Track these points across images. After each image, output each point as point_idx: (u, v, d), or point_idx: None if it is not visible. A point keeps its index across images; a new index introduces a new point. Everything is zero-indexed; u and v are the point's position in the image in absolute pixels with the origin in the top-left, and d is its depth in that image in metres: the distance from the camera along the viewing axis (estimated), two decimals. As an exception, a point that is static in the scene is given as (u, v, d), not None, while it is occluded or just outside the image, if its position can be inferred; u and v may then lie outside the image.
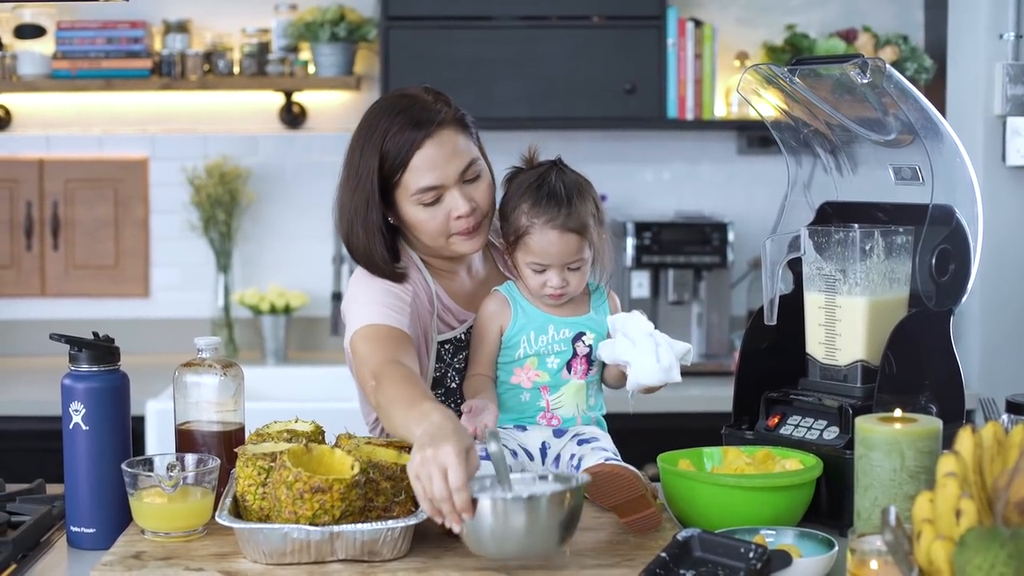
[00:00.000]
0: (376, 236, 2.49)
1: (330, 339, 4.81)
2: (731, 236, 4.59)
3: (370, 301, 2.45)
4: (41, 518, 2.28)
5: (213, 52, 4.73)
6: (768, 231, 2.54)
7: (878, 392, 2.27)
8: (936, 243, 2.35)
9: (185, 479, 2.19)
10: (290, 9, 4.76)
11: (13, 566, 2.13)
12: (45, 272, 4.86)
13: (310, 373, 4.66)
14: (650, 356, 2.38)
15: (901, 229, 2.37)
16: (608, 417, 2.56)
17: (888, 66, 2.31)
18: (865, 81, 2.31)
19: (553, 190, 2.44)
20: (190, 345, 2.41)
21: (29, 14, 4.69)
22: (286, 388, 4.58)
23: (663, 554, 1.96)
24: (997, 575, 1.55)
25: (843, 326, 2.38)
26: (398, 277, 2.50)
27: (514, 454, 2.43)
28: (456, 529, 1.96)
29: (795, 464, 2.28)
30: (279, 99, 4.84)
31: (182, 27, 4.74)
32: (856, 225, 2.39)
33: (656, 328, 2.43)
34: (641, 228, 4.58)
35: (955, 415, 2.34)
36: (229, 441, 2.33)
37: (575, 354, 2.48)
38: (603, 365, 2.53)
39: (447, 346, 2.56)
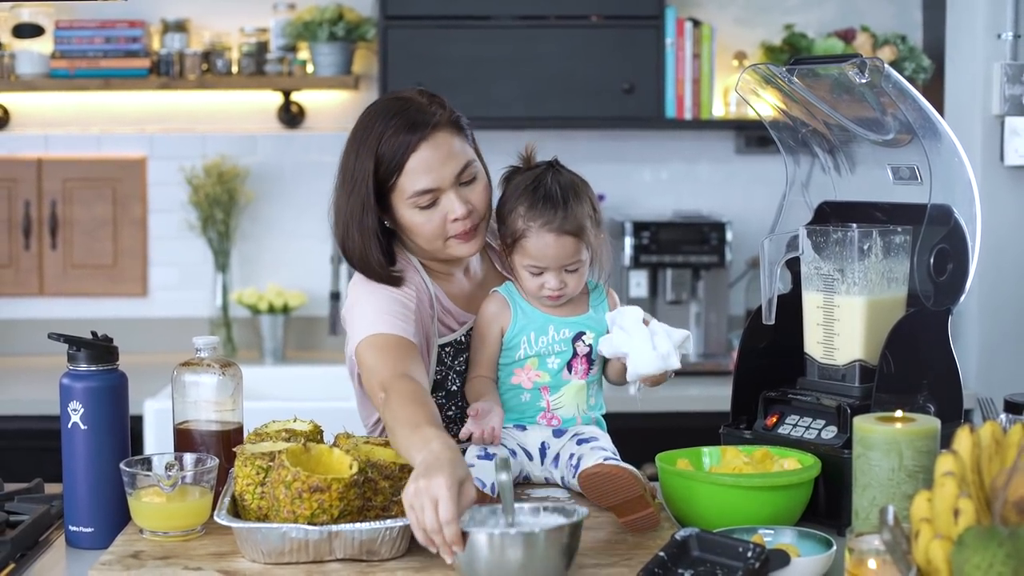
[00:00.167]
0: (372, 240, 2.48)
1: (328, 339, 4.81)
2: (729, 236, 4.59)
3: (375, 308, 2.44)
4: (40, 517, 2.28)
5: (211, 51, 4.73)
6: (766, 231, 2.55)
7: (876, 392, 2.27)
8: (934, 243, 2.35)
9: (183, 478, 2.19)
10: (288, 8, 4.76)
11: (12, 565, 2.13)
12: (43, 271, 4.86)
13: (308, 373, 4.66)
14: (646, 345, 2.38)
15: (899, 229, 2.37)
16: (607, 417, 2.57)
17: (886, 66, 2.31)
18: (863, 81, 2.32)
19: (549, 192, 2.43)
20: (188, 344, 2.41)
21: (27, 13, 4.69)
22: (284, 388, 4.58)
23: (661, 553, 1.96)
24: (995, 574, 1.56)
25: (841, 326, 2.38)
26: (395, 281, 2.49)
27: (513, 453, 2.43)
28: (448, 560, 1.95)
29: (793, 463, 2.28)
30: (277, 98, 4.84)
31: (180, 26, 4.74)
32: (854, 225, 2.39)
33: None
34: (639, 228, 4.59)
35: (953, 414, 2.34)
36: (227, 440, 2.33)
37: (575, 354, 2.49)
38: (604, 364, 2.53)
39: (447, 349, 2.56)
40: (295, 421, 2.39)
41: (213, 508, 2.17)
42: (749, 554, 1.92)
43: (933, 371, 2.36)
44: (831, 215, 2.55)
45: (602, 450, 2.38)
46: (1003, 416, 2.37)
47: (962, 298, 2.40)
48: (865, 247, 2.35)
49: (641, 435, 2.49)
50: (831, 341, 2.40)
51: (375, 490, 2.12)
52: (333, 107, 4.88)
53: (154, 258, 4.90)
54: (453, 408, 2.57)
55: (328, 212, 2.56)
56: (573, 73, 4.57)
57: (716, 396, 4.11)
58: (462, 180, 2.48)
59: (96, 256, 4.87)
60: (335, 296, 4.65)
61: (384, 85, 4.54)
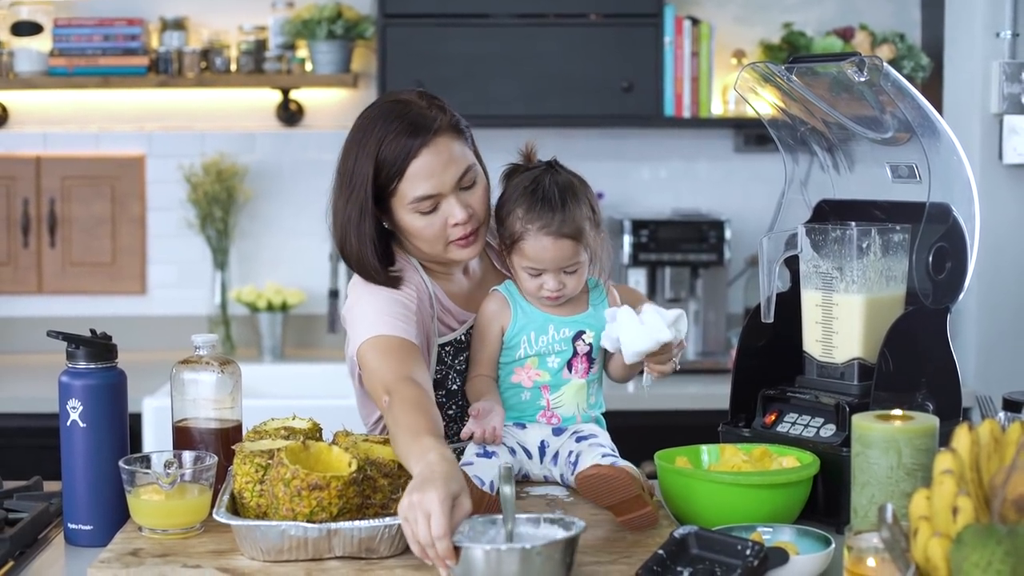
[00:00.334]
0: (367, 246, 2.47)
1: (327, 336, 4.81)
2: (728, 234, 4.59)
3: (375, 310, 2.44)
4: (38, 515, 2.28)
5: (210, 49, 4.72)
6: (765, 229, 2.55)
7: (875, 390, 2.27)
8: (933, 241, 2.35)
9: (182, 476, 2.19)
10: (287, 7, 4.76)
11: (10, 563, 2.13)
12: (42, 269, 4.86)
13: (307, 370, 4.66)
14: (633, 322, 2.38)
15: (898, 227, 2.37)
16: (607, 415, 2.57)
17: (885, 64, 2.31)
18: (862, 79, 2.31)
19: (547, 195, 2.43)
20: (187, 342, 2.41)
21: (26, 11, 4.69)
22: (283, 385, 4.58)
23: (660, 551, 1.96)
24: (994, 572, 1.56)
25: (840, 324, 2.39)
26: (394, 282, 2.49)
27: (512, 451, 2.43)
28: (443, 574, 1.95)
29: (792, 462, 2.28)
30: (276, 96, 4.84)
31: (179, 24, 4.74)
32: (853, 223, 2.39)
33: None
34: (638, 226, 4.59)
35: (952, 412, 2.35)
36: (226, 438, 2.33)
37: (575, 353, 2.49)
38: (605, 362, 2.53)
39: (447, 348, 2.56)
40: (294, 419, 2.39)
41: (212, 506, 2.17)
42: (748, 552, 1.92)
43: (932, 369, 2.36)
44: (830, 213, 2.55)
45: (600, 447, 2.38)
46: (1002, 414, 2.37)
47: (961, 296, 2.40)
48: (864, 245, 2.35)
49: (640, 433, 2.49)
50: (830, 339, 2.40)
51: (374, 488, 2.12)
52: (332, 105, 4.88)
53: (153, 256, 4.90)
54: (454, 407, 2.56)
55: (326, 213, 2.55)
56: (572, 71, 4.57)
57: (715, 394, 4.11)
58: (462, 185, 2.47)
59: (95, 254, 4.87)
60: (334, 294, 4.65)
61: (383, 83, 4.54)
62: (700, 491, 2.21)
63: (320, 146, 4.87)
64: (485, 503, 2.15)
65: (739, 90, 2.54)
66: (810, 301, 2.44)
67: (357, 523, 2.03)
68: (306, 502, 2.03)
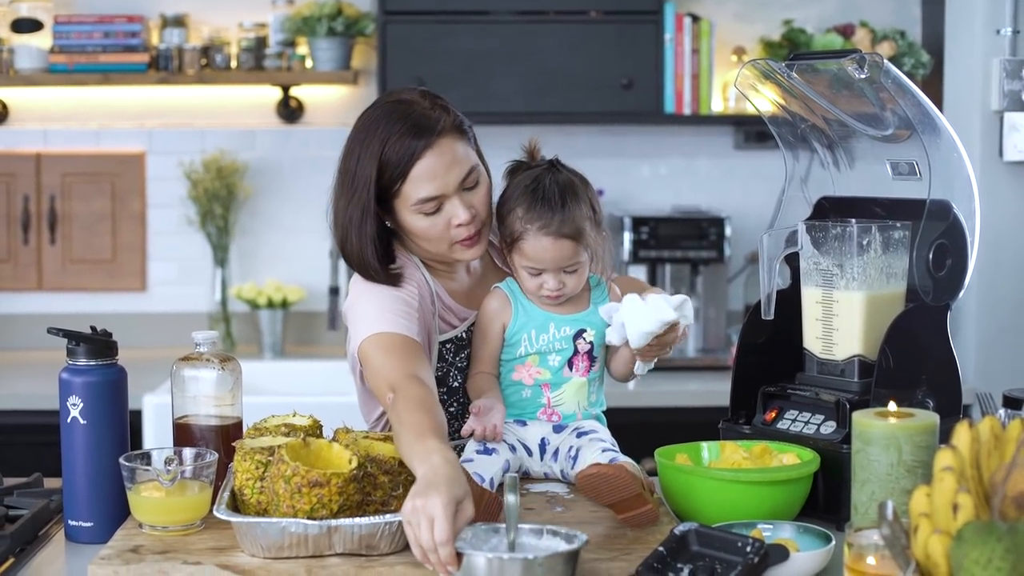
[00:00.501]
0: (368, 246, 2.47)
1: (327, 333, 4.81)
2: (728, 231, 4.59)
3: (378, 307, 2.43)
4: (39, 512, 2.28)
5: (210, 46, 4.72)
6: (765, 226, 2.55)
7: (875, 387, 2.27)
8: (933, 238, 2.35)
9: (183, 473, 2.19)
10: (287, 3, 4.76)
11: (11, 560, 2.13)
12: (42, 266, 4.86)
13: (308, 367, 4.66)
14: (638, 305, 2.38)
15: (898, 224, 2.37)
16: (607, 412, 2.57)
17: (886, 61, 2.31)
18: (863, 76, 2.31)
19: (547, 194, 2.42)
20: (187, 339, 2.41)
21: (26, 8, 4.69)
22: (283, 382, 4.58)
23: (660, 548, 1.96)
24: (994, 569, 1.56)
25: (840, 321, 2.39)
26: (394, 279, 2.49)
27: (512, 448, 2.43)
28: None
29: (792, 459, 2.28)
30: (276, 93, 4.84)
31: (179, 21, 4.74)
32: (853, 220, 2.39)
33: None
34: (638, 223, 4.59)
35: (952, 410, 2.35)
36: (227, 435, 2.33)
37: (576, 351, 2.48)
38: (607, 360, 2.53)
39: (448, 345, 2.56)
40: (294, 416, 2.38)
41: (212, 503, 2.17)
42: (748, 549, 1.92)
43: (932, 366, 2.36)
44: (830, 210, 2.55)
45: (600, 442, 2.38)
46: (1002, 411, 2.37)
47: (961, 293, 2.40)
48: (864, 242, 2.35)
49: (640, 430, 2.50)
50: (830, 336, 2.40)
51: (374, 485, 2.12)
52: (332, 102, 4.87)
53: (153, 253, 4.91)
54: (455, 405, 2.56)
55: (326, 212, 2.54)
56: (572, 68, 4.57)
57: (715, 391, 4.11)
58: (466, 186, 2.46)
59: (95, 251, 4.87)
60: (334, 291, 4.65)
61: (383, 80, 4.53)
62: (700, 488, 2.21)
63: (320, 143, 4.87)
64: (485, 500, 2.15)
65: (739, 87, 2.54)
66: (810, 298, 2.44)
67: (357, 520, 2.03)
68: (306, 499, 2.03)
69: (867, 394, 2.31)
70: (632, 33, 4.57)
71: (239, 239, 4.89)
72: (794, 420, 2.40)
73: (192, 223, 4.82)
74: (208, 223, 4.80)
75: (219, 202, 4.78)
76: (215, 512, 2.09)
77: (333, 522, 2.02)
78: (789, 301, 2.47)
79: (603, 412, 2.56)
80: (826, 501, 2.29)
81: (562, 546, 1.97)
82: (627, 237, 4.57)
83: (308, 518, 2.02)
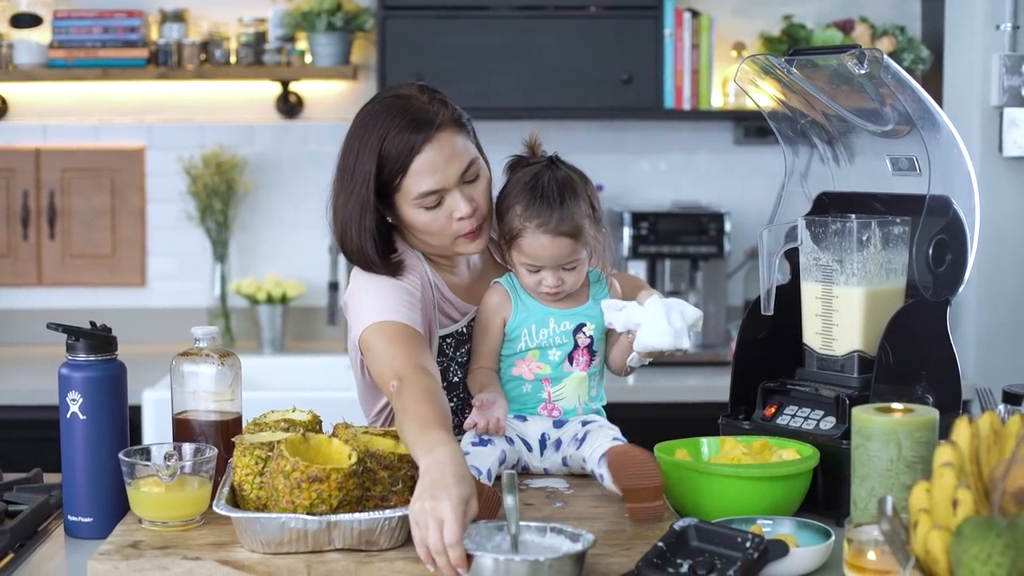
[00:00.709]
0: (368, 241, 2.47)
1: (327, 329, 4.81)
2: (728, 226, 4.59)
3: (381, 297, 2.44)
4: (38, 507, 2.28)
5: (210, 41, 4.72)
6: (765, 221, 2.54)
7: (875, 382, 2.27)
8: (933, 233, 2.35)
9: (182, 468, 2.19)
10: (287, -2, 4.76)
11: (11, 555, 2.13)
12: (42, 261, 4.86)
13: (307, 363, 4.66)
14: (661, 318, 2.38)
15: (898, 219, 2.37)
16: (607, 407, 2.56)
17: (885, 57, 2.31)
18: (863, 72, 2.31)
19: (546, 192, 2.42)
20: (187, 335, 2.41)
21: (25, 3, 4.69)
22: (283, 378, 4.58)
23: (660, 544, 1.96)
24: (994, 564, 1.56)
25: (840, 316, 2.38)
26: (395, 269, 2.49)
27: (510, 442, 2.43)
28: None
29: (792, 454, 2.28)
30: (276, 88, 4.84)
31: (179, 16, 4.74)
32: (853, 215, 2.38)
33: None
34: (638, 218, 4.59)
35: (951, 405, 2.34)
36: (226, 430, 2.33)
37: (576, 346, 2.48)
38: (606, 354, 2.53)
39: (449, 340, 2.56)
40: (294, 411, 2.38)
41: (212, 498, 2.17)
42: (748, 544, 1.93)
43: (931, 362, 2.36)
44: (830, 206, 2.54)
45: (611, 430, 2.40)
46: (1001, 407, 2.37)
47: (961, 289, 2.40)
48: (864, 238, 2.35)
49: (639, 425, 2.49)
50: (830, 332, 2.40)
51: (374, 480, 2.12)
52: (331, 97, 4.87)
53: (152, 248, 4.90)
54: (455, 400, 2.56)
55: (326, 208, 2.54)
56: (572, 63, 4.56)
57: (714, 386, 4.11)
58: (466, 179, 2.46)
59: (94, 246, 4.87)
60: (333, 286, 4.65)
61: (382, 75, 4.53)
62: (700, 483, 2.21)
63: (320, 138, 4.86)
64: (484, 496, 2.15)
65: (739, 82, 2.54)
66: (810, 293, 2.44)
67: (357, 515, 2.03)
68: (306, 494, 2.03)
69: (867, 390, 2.31)
70: (632, 28, 4.56)
71: (238, 234, 4.89)
72: (794, 416, 2.40)
73: (192, 218, 4.82)
74: (207, 218, 4.79)
75: (218, 197, 4.77)
76: (215, 507, 2.09)
77: (333, 517, 2.02)
78: (789, 296, 2.47)
79: (603, 407, 2.55)
80: (826, 497, 2.29)
81: (567, 545, 1.97)
82: (627, 232, 4.57)
83: (308, 513, 2.02)
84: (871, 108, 2.42)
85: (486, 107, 4.44)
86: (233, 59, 4.75)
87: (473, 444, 2.35)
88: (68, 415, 2.22)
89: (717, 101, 4.76)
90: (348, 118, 2.54)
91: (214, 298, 4.85)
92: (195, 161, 4.80)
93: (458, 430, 2.42)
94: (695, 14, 4.67)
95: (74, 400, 2.22)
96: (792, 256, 2.50)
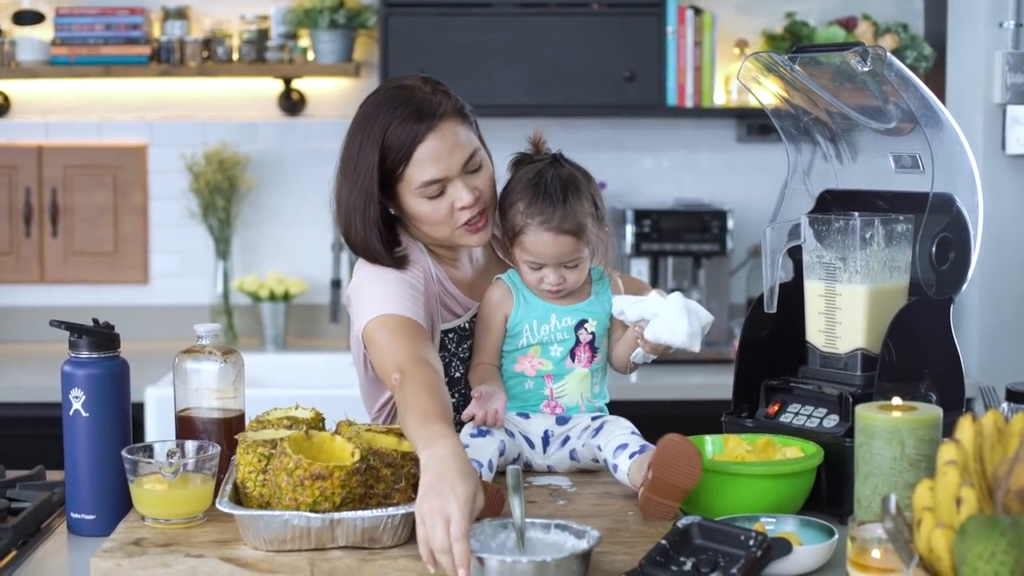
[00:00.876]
0: (373, 230, 2.48)
1: (329, 326, 4.81)
2: (730, 224, 4.59)
3: (383, 289, 2.44)
4: (41, 505, 2.28)
5: (212, 39, 4.72)
6: (767, 219, 2.54)
7: (878, 380, 2.27)
8: (936, 231, 2.34)
9: (185, 466, 2.19)
10: (289, -4, 4.76)
11: (13, 552, 2.13)
12: (44, 259, 4.86)
13: (310, 360, 4.66)
14: (682, 315, 2.37)
15: (901, 217, 2.37)
16: (609, 405, 2.56)
17: (889, 54, 2.30)
18: (866, 69, 2.31)
19: (548, 189, 2.42)
20: (189, 332, 2.41)
21: (28, 0, 4.69)
22: (286, 375, 4.58)
23: (663, 542, 1.96)
24: (997, 563, 1.56)
25: (843, 314, 2.38)
26: (399, 262, 2.49)
27: (511, 435, 2.43)
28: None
29: (796, 452, 2.28)
30: (278, 86, 4.84)
31: (181, 13, 4.74)
32: (856, 213, 2.38)
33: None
34: (640, 216, 4.59)
35: (955, 403, 2.34)
36: (229, 428, 2.33)
37: (578, 342, 2.48)
38: (609, 351, 2.53)
39: (451, 335, 2.56)
40: (297, 408, 2.38)
41: (215, 496, 2.17)
42: (751, 542, 1.92)
43: (935, 360, 2.36)
44: (833, 203, 2.54)
45: (628, 426, 2.41)
46: (1005, 405, 2.37)
47: (964, 287, 2.40)
48: (867, 236, 2.34)
49: (643, 423, 2.49)
50: (833, 330, 2.40)
51: (377, 478, 2.12)
52: (334, 94, 4.87)
53: (155, 245, 4.90)
54: (456, 395, 2.56)
55: (329, 200, 2.55)
56: (574, 61, 4.56)
57: (717, 384, 4.11)
58: (469, 169, 2.47)
59: (97, 243, 4.87)
60: (336, 284, 4.65)
61: (385, 72, 4.53)
62: (703, 481, 2.20)
63: (322, 135, 4.86)
64: (488, 493, 2.16)
65: (742, 80, 2.54)
66: (813, 291, 2.43)
67: (360, 513, 2.03)
68: (309, 492, 2.02)
69: (870, 387, 2.31)
70: (634, 26, 4.56)
71: (241, 232, 4.89)
72: (797, 413, 2.40)
73: (194, 216, 4.82)
74: (210, 216, 4.79)
75: (221, 195, 4.78)
76: (218, 505, 2.09)
77: (336, 515, 2.02)
78: (792, 294, 2.46)
79: (606, 404, 2.55)
80: (829, 495, 2.29)
81: (571, 542, 1.97)
82: (629, 230, 4.57)
83: (311, 511, 2.02)
84: (874, 106, 2.41)
85: (488, 104, 4.43)
86: (235, 56, 4.75)
87: (472, 435, 2.35)
88: (71, 412, 2.22)
89: (720, 98, 4.76)
90: (350, 115, 2.54)
91: (216, 295, 4.85)
92: (197, 158, 4.80)
93: (459, 426, 2.42)
94: (697, 11, 4.67)
95: (77, 397, 2.22)
96: (795, 254, 2.50)
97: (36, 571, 2.08)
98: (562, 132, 4.62)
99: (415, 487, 2.13)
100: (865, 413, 2.07)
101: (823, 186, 2.58)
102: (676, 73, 4.64)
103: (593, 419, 2.46)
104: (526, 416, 2.48)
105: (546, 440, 2.47)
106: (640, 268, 4.59)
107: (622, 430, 2.38)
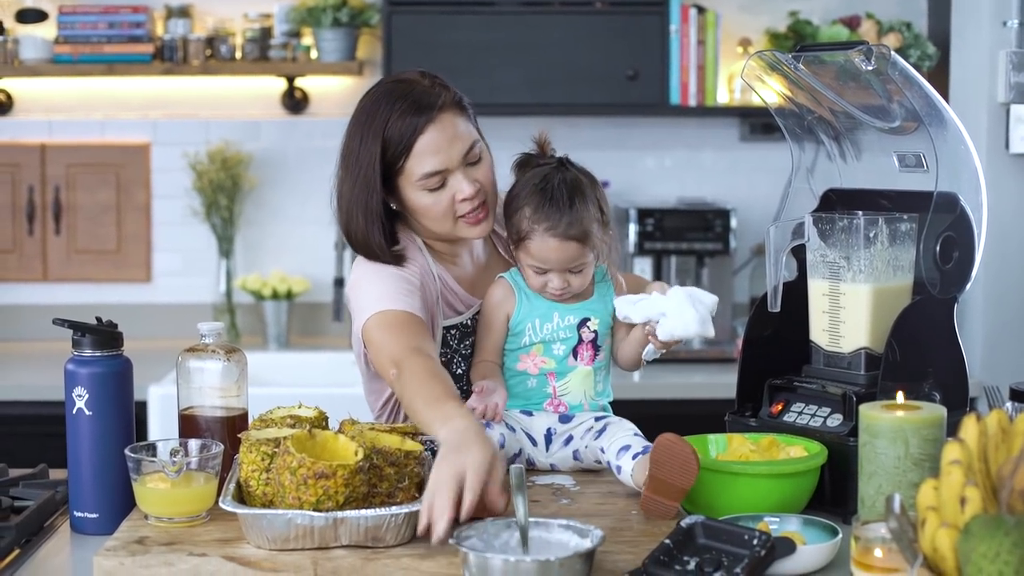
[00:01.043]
0: (375, 223, 2.49)
1: (332, 324, 4.81)
2: (733, 223, 4.59)
3: (381, 286, 2.45)
4: (44, 503, 2.28)
5: (215, 37, 4.72)
6: (771, 218, 2.54)
7: (882, 379, 2.27)
8: (940, 230, 2.34)
9: (188, 464, 2.19)
10: (292, -6, 4.76)
11: (16, 551, 2.13)
12: (47, 257, 4.86)
13: (312, 359, 4.66)
14: (687, 307, 2.38)
15: (905, 216, 2.37)
16: (613, 404, 2.56)
17: (893, 53, 2.30)
18: (870, 68, 2.31)
19: (555, 195, 2.42)
20: (192, 330, 2.41)
21: (31, -1, 4.69)
22: (289, 374, 4.58)
23: (667, 541, 1.96)
24: (1002, 563, 1.55)
25: (847, 313, 2.38)
26: (397, 259, 2.50)
27: (511, 429, 2.43)
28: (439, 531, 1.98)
29: (799, 451, 2.28)
30: (281, 84, 4.83)
31: (184, 12, 4.74)
32: (860, 212, 2.38)
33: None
34: (643, 215, 4.59)
35: (959, 403, 2.34)
36: (232, 426, 2.33)
37: (581, 340, 2.48)
38: (613, 347, 2.53)
39: (453, 332, 2.56)
40: (300, 407, 2.38)
41: (218, 494, 2.17)
42: (755, 542, 1.92)
43: (939, 359, 2.35)
44: (837, 202, 2.54)
45: (631, 427, 2.41)
46: (1009, 404, 2.37)
47: (968, 286, 2.40)
48: (871, 235, 2.34)
49: (646, 422, 2.49)
50: (837, 329, 2.40)
51: (380, 476, 2.12)
52: (337, 93, 4.87)
53: (158, 244, 4.90)
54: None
55: (330, 196, 2.56)
56: (577, 60, 4.56)
57: (720, 383, 4.11)
58: (468, 160, 2.49)
59: (100, 242, 4.87)
60: (339, 282, 4.65)
61: (388, 71, 4.53)
62: (707, 480, 2.21)
63: (325, 134, 4.86)
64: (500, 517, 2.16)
65: (746, 78, 2.54)
66: (817, 290, 2.43)
67: (363, 512, 2.03)
68: (312, 491, 2.02)
69: (874, 387, 2.31)
70: (637, 24, 4.56)
71: (244, 230, 4.89)
72: (800, 413, 2.40)
73: (197, 214, 4.82)
74: (213, 214, 4.79)
75: (224, 193, 4.77)
76: (221, 504, 2.09)
77: (339, 514, 2.02)
78: (795, 293, 2.46)
79: (609, 403, 2.55)
80: (833, 494, 2.29)
81: (575, 541, 1.97)
82: (632, 229, 4.57)
83: (314, 510, 2.02)
84: (878, 104, 2.41)
85: (491, 103, 4.44)
86: (239, 55, 4.75)
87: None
88: (74, 411, 2.22)
89: (723, 97, 4.75)
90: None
91: (219, 294, 4.85)
92: (200, 157, 4.80)
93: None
94: (701, 10, 4.67)
95: (80, 396, 2.22)
96: (799, 253, 2.49)
97: (39, 570, 2.08)
98: (565, 131, 4.62)
99: (419, 486, 2.14)
100: (869, 412, 2.07)
101: (827, 185, 2.57)
102: (679, 72, 4.64)
103: (596, 420, 2.46)
104: (529, 414, 2.48)
105: (549, 438, 2.47)
106: (643, 267, 4.59)
107: (624, 432, 2.38)
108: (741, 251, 4.80)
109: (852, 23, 4.70)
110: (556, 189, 2.43)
